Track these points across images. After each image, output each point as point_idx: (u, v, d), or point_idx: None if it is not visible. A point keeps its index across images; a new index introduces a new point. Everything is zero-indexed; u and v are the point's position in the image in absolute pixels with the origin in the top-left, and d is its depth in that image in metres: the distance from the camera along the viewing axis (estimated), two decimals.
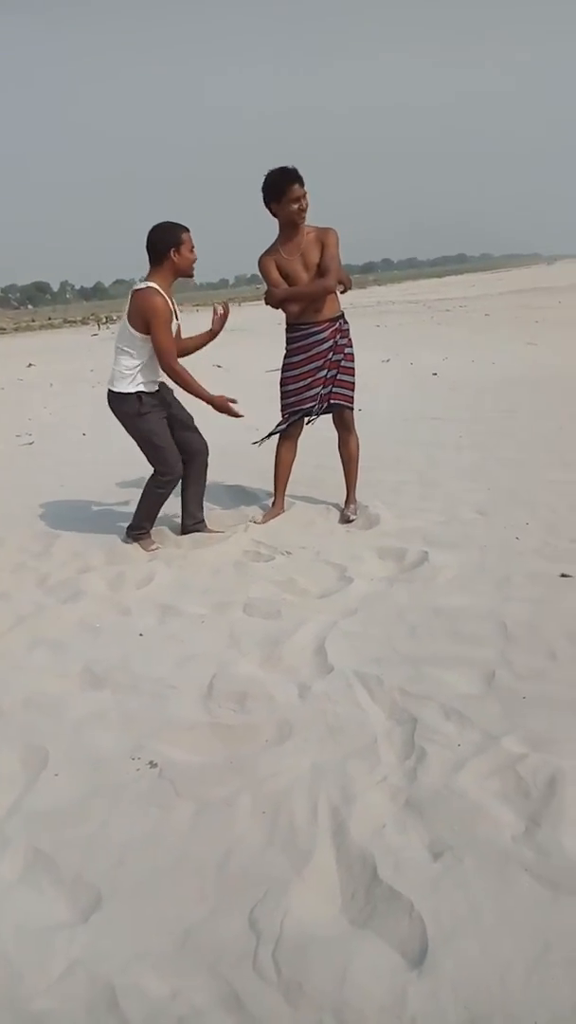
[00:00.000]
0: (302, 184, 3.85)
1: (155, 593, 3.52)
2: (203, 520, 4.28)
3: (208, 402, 4.01)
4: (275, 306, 4.13)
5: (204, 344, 4.23)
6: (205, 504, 4.33)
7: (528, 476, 4.90)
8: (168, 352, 3.85)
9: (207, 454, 4.23)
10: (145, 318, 3.82)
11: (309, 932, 1.67)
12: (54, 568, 3.96)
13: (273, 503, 4.52)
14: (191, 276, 3.90)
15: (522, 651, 2.72)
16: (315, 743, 2.29)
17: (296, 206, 3.88)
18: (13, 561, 4.13)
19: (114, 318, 34.02)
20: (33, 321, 42.80)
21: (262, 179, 3.89)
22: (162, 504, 4.15)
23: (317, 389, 4.24)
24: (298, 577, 3.54)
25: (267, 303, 4.18)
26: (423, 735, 2.27)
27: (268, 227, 4.13)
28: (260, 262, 4.09)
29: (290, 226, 3.98)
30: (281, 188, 3.84)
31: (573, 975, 1.50)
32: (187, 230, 3.84)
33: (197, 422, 4.25)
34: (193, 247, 3.86)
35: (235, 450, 5.38)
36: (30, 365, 16.72)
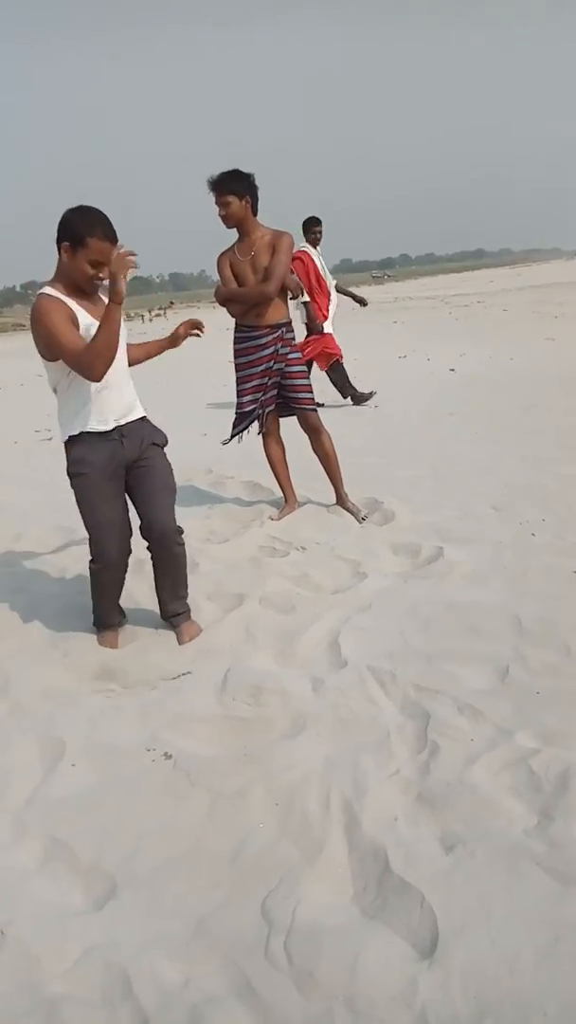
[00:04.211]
0: (220, 192, 3.90)
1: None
2: (183, 612, 3.12)
3: (170, 346, 3.22)
4: (220, 303, 4.22)
5: (159, 352, 3.27)
6: (218, 502, 4.30)
7: (544, 472, 4.88)
8: (76, 353, 2.66)
9: (173, 537, 2.97)
10: (41, 333, 2.72)
11: (321, 922, 1.69)
12: (71, 563, 4.00)
13: (285, 500, 4.54)
14: (92, 292, 2.80)
15: (536, 646, 2.72)
16: (328, 736, 2.31)
17: (218, 211, 3.96)
18: (32, 555, 4.18)
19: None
20: None
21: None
22: (112, 593, 3.09)
23: (258, 395, 4.31)
24: (313, 572, 3.56)
25: (215, 299, 4.28)
26: (436, 729, 2.28)
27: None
28: (217, 259, 4.17)
29: (232, 228, 4.04)
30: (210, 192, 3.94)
31: None
32: (99, 230, 2.61)
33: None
34: (97, 262, 2.64)
35: (248, 445, 5.38)
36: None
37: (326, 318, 7.60)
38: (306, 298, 7.36)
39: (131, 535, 3.02)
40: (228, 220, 3.96)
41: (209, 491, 5.16)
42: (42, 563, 4.05)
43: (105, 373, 2.70)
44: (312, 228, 7.55)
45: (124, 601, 3.21)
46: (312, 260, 7.45)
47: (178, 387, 10.06)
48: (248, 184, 3.92)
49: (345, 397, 8.12)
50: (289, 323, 4.23)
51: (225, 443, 4.68)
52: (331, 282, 7.75)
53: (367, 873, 1.82)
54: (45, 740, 2.45)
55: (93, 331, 2.66)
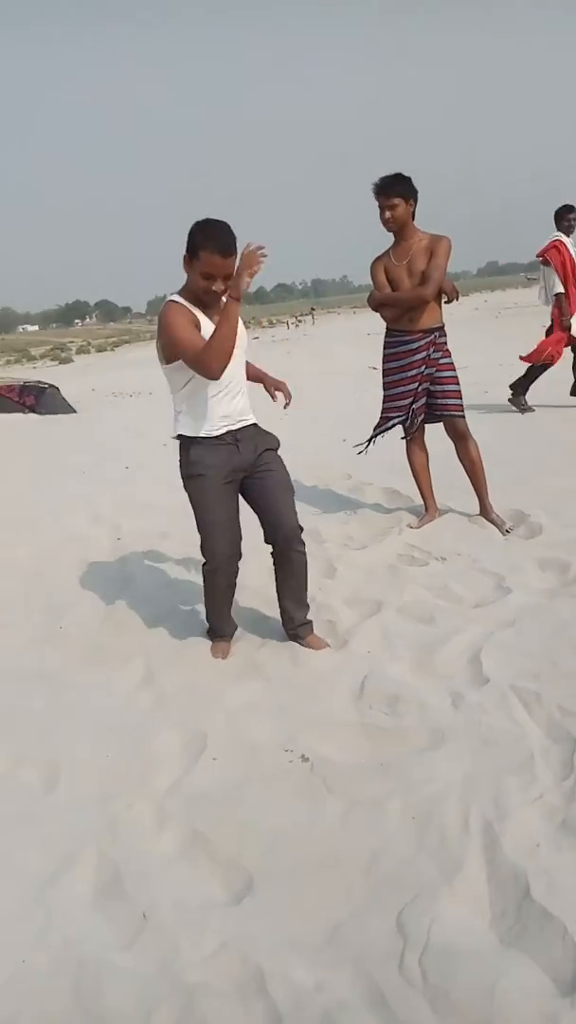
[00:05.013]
0: (387, 196, 3.93)
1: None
2: (306, 622, 3.09)
3: (265, 384, 3.13)
4: (374, 308, 4.24)
5: (259, 382, 3.18)
6: (356, 508, 4.29)
7: None
8: (194, 350, 2.68)
9: (297, 535, 2.96)
10: (163, 335, 2.78)
11: (457, 942, 1.66)
12: None
13: (425, 508, 4.48)
14: (212, 304, 2.76)
15: None
16: (468, 754, 2.25)
17: (383, 215, 3.98)
18: (181, 553, 4.34)
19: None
20: None
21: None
22: (223, 599, 3.11)
23: (407, 401, 4.26)
24: (453, 584, 3.49)
25: (369, 304, 4.30)
26: None
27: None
28: (371, 264, 4.20)
29: (395, 232, 4.05)
30: (375, 195, 3.97)
31: None
32: (211, 244, 2.62)
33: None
34: (209, 274, 2.66)
35: (388, 451, 5.34)
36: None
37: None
38: (560, 289, 7.19)
39: (241, 539, 3.03)
40: (393, 223, 3.98)
41: (348, 496, 5.17)
42: (187, 561, 4.20)
43: (222, 371, 2.70)
44: (566, 216, 7.30)
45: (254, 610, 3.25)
46: (567, 249, 7.22)
47: (318, 391, 10.15)
48: (412, 187, 3.96)
49: (513, 393, 7.78)
50: (442, 327, 4.18)
51: (360, 451, 4.69)
52: None
53: (506, 898, 1.77)
54: (188, 733, 2.54)
55: None
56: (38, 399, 13.29)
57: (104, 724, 2.65)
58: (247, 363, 3.02)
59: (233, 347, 2.68)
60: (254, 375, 3.14)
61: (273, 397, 3.14)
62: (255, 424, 2.97)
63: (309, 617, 3.11)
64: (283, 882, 1.89)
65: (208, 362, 2.66)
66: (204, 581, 3.08)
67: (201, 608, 3.49)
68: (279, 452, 3.02)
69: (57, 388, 13.97)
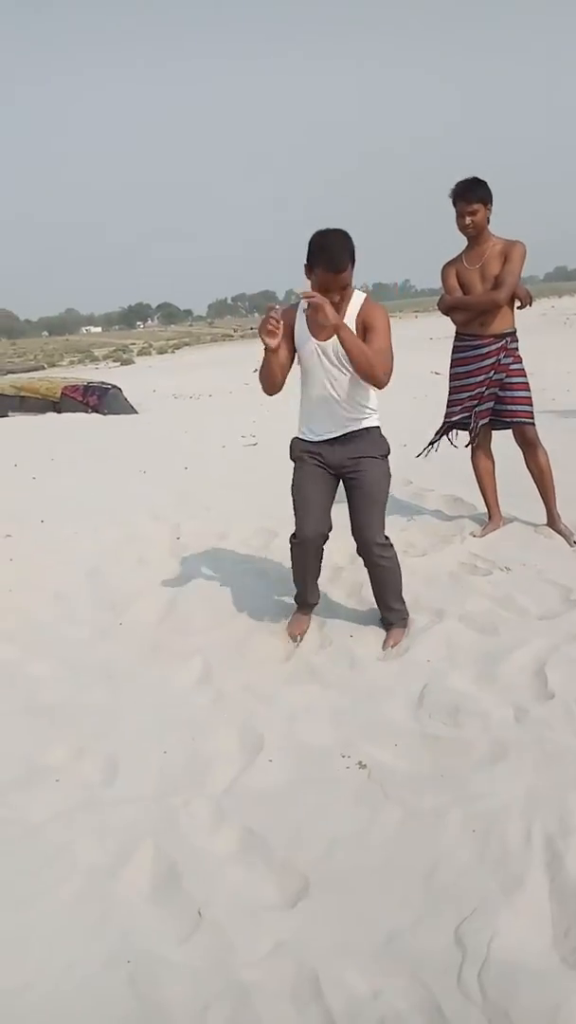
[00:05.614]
0: (468, 201, 3.88)
1: (368, 595, 3.55)
2: (393, 622, 3.21)
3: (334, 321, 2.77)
4: (444, 312, 4.19)
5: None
6: (417, 514, 4.21)
7: None
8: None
9: (374, 549, 3.05)
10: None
11: (517, 960, 1.62)
12: (270, 565, 4.12)
13: (489, 516, 4.41)
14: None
15: None
16: (531, 768, 2.20)
17: (463, 220, 3.93)
18: (238, 554, 4.37)
19: None
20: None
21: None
22: (305, 570, 3.24)
23: (473, 404, 4.21)
24: (517, 595, 3.42)
25: (438, 308, 4.26)
26: None
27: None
28: (442, 268, 4.18)
29: (473, 237, 4.00)
30: (453, 201, 3.93)
31: None
32: (323, 263, 2.70)
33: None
34: (325, 288, 2.75)
35: (446, 457, 5.27)
36: (255, 371, 17.54)
37: None
38: None
39: (329, 527, 3.16)
40: (473, 228, 3.94)
41: (408, 502, 5.12)
42: (244, 562, 4.22)
43: (269, 393, 3.04)
44: None
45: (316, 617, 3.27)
46: None
47: (377, 395, 10.08)
48: (490, 192, 3.92)
49: None
50: (514, 332, 4.12)
51: (420, 455, 4.64)
52: None
53: (569, 918, 1.72)
54: (245, 733, 2.55)
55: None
56: (101, 399, 13.52)
57: (162, 721, 2.67)
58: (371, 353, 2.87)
59: (266, 380, 2.99)
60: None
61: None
62: (366, 429, 3.07)
63: (400, 617, 3.21)
64: (339, 887, 1.88)
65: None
66: (291, 552, 3.26)
67: (259, 608, 3.52)
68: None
69: (120, 389, 14.19)
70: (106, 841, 2.10)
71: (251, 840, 2.07)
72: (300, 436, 3.14)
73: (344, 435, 3.04)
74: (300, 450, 3.14)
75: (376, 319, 2.88)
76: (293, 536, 3.20)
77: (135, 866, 2.01)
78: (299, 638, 3.25)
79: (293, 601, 3.40)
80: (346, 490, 3.12)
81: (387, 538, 3.10)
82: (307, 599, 3.33)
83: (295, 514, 3.16)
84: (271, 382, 3.00)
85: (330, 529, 3.17)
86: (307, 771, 2.32)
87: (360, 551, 3.11)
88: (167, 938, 1.78)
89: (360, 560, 3.18)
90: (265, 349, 2.85)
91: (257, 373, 3.01)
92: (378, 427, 3.12)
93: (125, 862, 2.02)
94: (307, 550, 3.18)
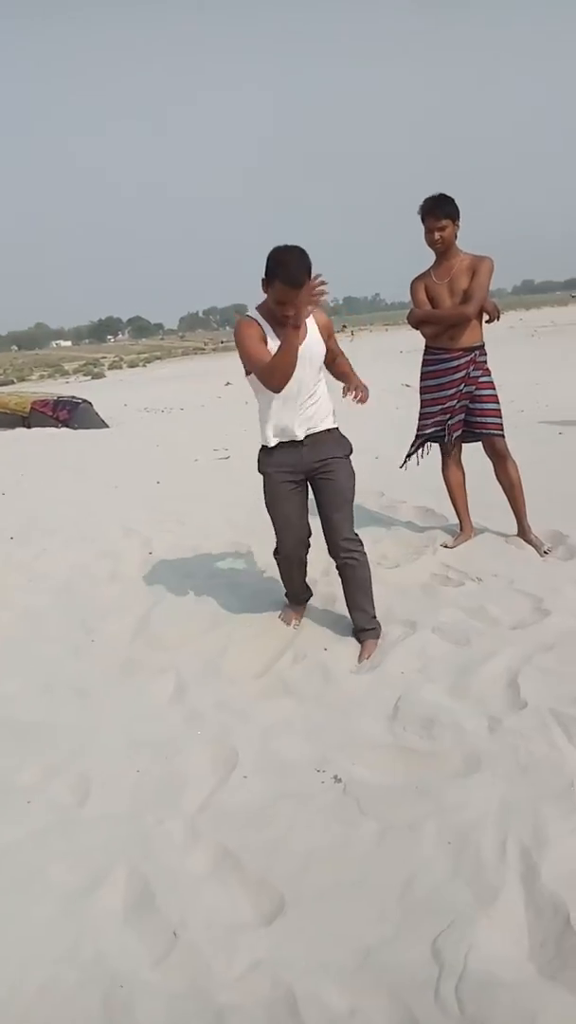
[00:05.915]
0: (436, 217, 3.93)
1: (341, 607, 3.56)
2: (368, 629, 3.21)
3: (294, 337, 2.86)
4: (414, 326, 4.26)
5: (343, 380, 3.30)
6: (389, 526, 4.26)
7: None
8: (256, 366, 2.95)
9: (344, 545, 3.14)
10: (238, 348, 3.05)
11: (494, 973, 1.62)
12: (245, 578, 4.12)
13: (460, 527, 4.44)
14: (283, 324, 2.90)
15: None
16: (505, 779, 2.21)
17: (432, 236, 3.98)
18: (212, 569, 4.35)
19: None
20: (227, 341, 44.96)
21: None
22: (292, 575, 3.43)
23: (444, 417, 4.27)
24: (489, 605, 3.44)
25: (408, 321, 4.33)
26: None
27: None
28: (411, 283, 4.23)
29: (441, 252, 4.05)
30: (422, 217, 3.98)
31: None
32: (282, 276, 2.77)
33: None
34: (280, 301, 2.83)
35: (418, 469, 5.31)
36: (227, 384, 17.56)
37: None
38: None
39: (309, 534, 3.31)
40: (442, 243, 3.99)
41: (381, 514, 5.14)
42: (217, 576, 4.21)
43: (280, 388, 2.95)
44: None
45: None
46: None
47: (350, 408, 10.15)
48: (457, 208, 3.97)
49: None
50: (483, 346, 4.17)
51: (402, 466, 4.66)
52: None
53: (545, 929, 1.72)
54: (219, 749, 2.53)
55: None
56: (72, 414, 13.45)
57: (136, 738, 2.64)
58: (340, 362, 3.26)
59: (291, 370, 2.91)
60: (341, 372, 3.30)
61: (345, 394, 3.24)
62: (329, 430, 3.17)
63: (373, 625, 3.23)
64: (315, 904, 1.87)
65: (266, 379, 2.94)
66: (277, 564, 3.45)
67: (232, 623, 3.51)
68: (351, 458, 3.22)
69: (90, 403, 14.13)
70: (79, 862, 2.07)
71: (226, 858, 2.05)
72: (265, 443, 3.17)
73: (308, 436, 3.12)
74: (267, 464, 3.19)
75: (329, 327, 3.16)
76: (276, 551, 3.39)
77: (109, 887, 1.98)
78: (295, 622, 3.47)
79: (284, 599, 3.58)
80: (314, 491, 3.21)
81: (356, 535, 3.19)
82: (298, 598, 3.54)
83: (275, 531, 3.29)
84: (292, 372, 2.91)
85: (310, 535, 3.32)
86: (282, 787, 2.31)
87: (331, 551, 3.20)
88: (142, 960, 1.76)
89: (334, 573, 3.20)
90: (292, 334, 2.82)
91: (257, 373, 2.96)
92: (338, 428, 3.23)
93: (99, 883, 1.99)
94: (292, 562, 3.38)
